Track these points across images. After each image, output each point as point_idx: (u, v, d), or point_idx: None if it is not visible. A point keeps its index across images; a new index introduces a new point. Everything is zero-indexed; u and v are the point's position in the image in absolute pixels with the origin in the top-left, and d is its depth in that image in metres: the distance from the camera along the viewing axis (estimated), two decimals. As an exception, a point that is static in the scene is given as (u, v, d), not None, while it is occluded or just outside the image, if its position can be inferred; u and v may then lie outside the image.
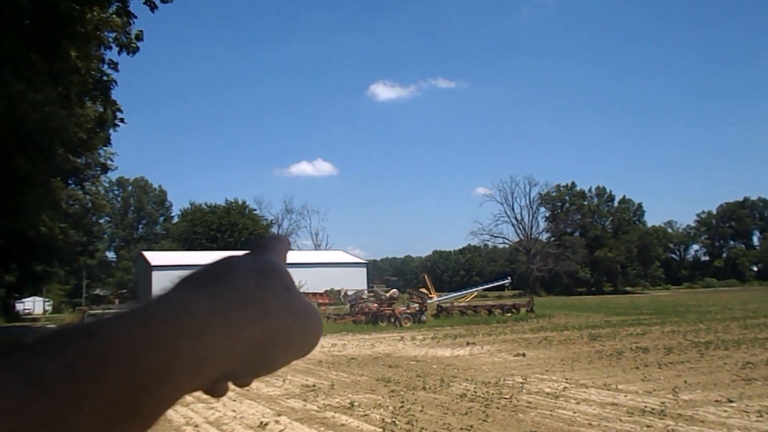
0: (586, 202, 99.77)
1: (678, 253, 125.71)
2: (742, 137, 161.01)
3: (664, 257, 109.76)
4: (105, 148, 30.06)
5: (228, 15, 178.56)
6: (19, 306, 60.26)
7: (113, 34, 15.93)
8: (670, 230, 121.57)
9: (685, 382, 9.95)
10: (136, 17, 15.29)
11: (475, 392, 9.52)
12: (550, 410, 8.04)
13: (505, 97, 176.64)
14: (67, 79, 15.82)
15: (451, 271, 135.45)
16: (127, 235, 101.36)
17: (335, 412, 8.37)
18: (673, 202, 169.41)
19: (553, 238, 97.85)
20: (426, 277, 47.71)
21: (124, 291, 74.15)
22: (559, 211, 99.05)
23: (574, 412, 7.85)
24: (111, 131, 23.41)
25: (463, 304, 34.01)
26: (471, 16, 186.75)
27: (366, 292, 39.99)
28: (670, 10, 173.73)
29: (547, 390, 9.58)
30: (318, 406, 8.85)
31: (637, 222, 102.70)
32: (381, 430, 7.26)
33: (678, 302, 43.39)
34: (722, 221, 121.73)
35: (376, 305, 27.61)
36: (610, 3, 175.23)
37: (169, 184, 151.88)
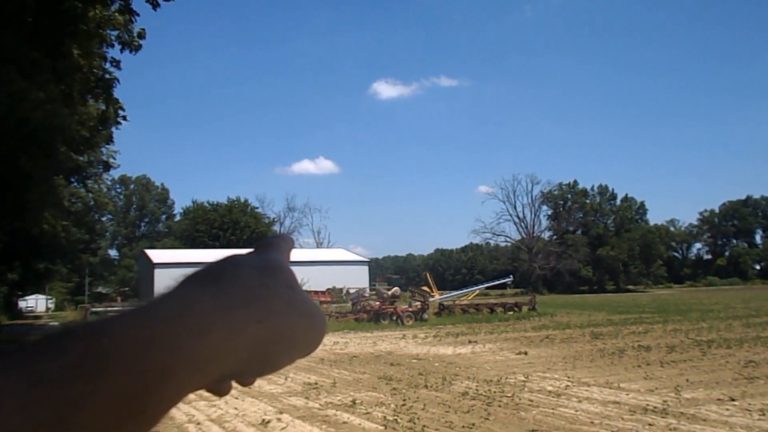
0: (588, 201, 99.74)
1: (680, 252, 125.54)
2: (744, 135, 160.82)
3: (667, 256, 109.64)
4: (107, 146, 30.11)
5: (230, 13, 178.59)
6: (21, 304, 60.42)
7: (116, 32, 15.93)
8: (672, 228, 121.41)
9: (688, 380, 9.95)
10: (138, 15, 15.27)
11: (477, 390, 9.53)
12: (552, 408, 8.04)
13: (507, 96, 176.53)
14: (70, 77, 15.83)
15: (453, 269, 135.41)
16: (129, 233, 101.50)
17: (337, 410, 8.38)
18: (675, 201, 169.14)
19: (555, 237, 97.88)
20: (428, 275, 47.69)
21: (127, 289, 74.23)
22: (561, 209, 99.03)
23: (576, 411, 7.85)
24: (113, 129, 23.44)
25: (465, 302, 34.01)
26: (473, 14, 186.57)
27: (368, 290, 40.03)
28: (673, 8, 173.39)
29: (549, 388, 9.58)
30: (320, 404, 8.87)
31: (639, 220, 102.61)
32: (383, 428, 7.27)
33: (680, 301, 43.34)
34: (725, 220, 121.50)
35: (378, 303, 27.62)
36: (612, 1, 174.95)
37: (171, 182, 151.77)
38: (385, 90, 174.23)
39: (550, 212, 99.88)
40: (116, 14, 15.15)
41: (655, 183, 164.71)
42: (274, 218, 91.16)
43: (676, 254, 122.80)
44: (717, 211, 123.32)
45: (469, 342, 17.41)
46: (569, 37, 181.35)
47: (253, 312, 0.38)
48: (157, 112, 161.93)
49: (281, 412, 8.34)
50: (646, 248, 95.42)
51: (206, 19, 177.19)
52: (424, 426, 7.25)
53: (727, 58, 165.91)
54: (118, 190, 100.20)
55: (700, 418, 7.30)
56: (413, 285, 44.08)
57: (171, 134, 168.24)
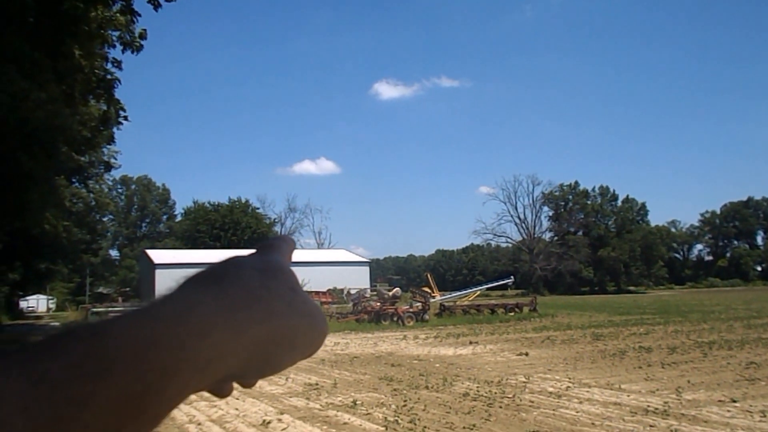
0: (589, 202, 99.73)
1: (681, 253, 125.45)
2: (746, 136, 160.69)
3: (668, 257, 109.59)
4: (108, 146, 30.15)
5: (231, 14, 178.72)
6: (23, 304, 60.49)
7: (117, 33, 15.95)
8: (673, 230, 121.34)
9: (689, 381, 9.94)
10: (140, 15, 15.29)
11: (478, 391, 9.52)
12: (553, 409, 8.04)
13: (508, 96, 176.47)
14: (71, 77, 15.85)
15: (454, 270, 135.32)
16: (130, 233, 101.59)
17: (338, 411, 8.38)
18: (676, 202, 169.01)
19: (556, 238, 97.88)
20: (429, 276, 47.66)
21: (128, 289, 74.28)
22: (562, 210, 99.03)
23: (577, 412, 7.84)
24: (114, 129, 23.46)
25: (465, 303, 34.00)
26: (474, 14, 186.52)
27: (369, 291, 40.05)
28: (674, 8, 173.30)
29: (550, 389, 9.57)
30: (321, 405, 8.86)
31: (640, 221, 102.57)
32: (384, 428, 7.27)
33: (681, 302, 43.31)
34: (726, 221, 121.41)
35: (378, 304, 27.63)
36: (613, 1, 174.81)
37: (172, 183, 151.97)
38: (386, 90, 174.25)
39: (551, 213, 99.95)
40: (118, 15, 15.17)
41: (657, 184, 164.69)
42: (275, 219, 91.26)
43: (677, 255, 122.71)
44: (718, 212, 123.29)
45: (470, 343, 17.40)
46: (570, 37, 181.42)
47: (255, 313, 0.38)
48: (158, 113, 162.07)
49: (282, 413, 8.34)
50: (647, 249, 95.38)
51: (207, 19, 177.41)
52: (425, 427, 7.24)
53: (728, 58, 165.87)
54: (120, 190, 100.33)
55: (701, 419, 7.29)
56: (414, 286, 44.14)
57: (172, 134, 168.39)
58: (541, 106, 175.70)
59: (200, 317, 0.35)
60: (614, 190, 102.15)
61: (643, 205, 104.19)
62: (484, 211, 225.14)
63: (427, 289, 35.53)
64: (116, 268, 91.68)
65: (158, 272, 52.37)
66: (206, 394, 0.39)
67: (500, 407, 8.30)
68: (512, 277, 54.13)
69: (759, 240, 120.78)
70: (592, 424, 7.18)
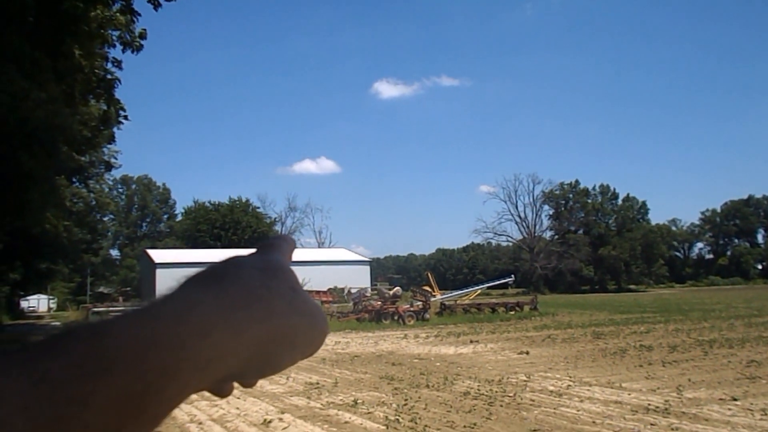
0: (589, 200, 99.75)
1: (682, 251, 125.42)
2: (746, 134, 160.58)
3: (668, 255, 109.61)
4: (109, 146, 30.22)
5: (231, 13, 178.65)
6: (23, 303, 60.51)
7: (117, 32, 15.95)
8: (674, 228, 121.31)
9: (689, 380, 9.93)
10: (140, 15, 15.29)
11: (479, 390, 9.52)
12: (554, 408, 8.04)
13: (508, 95, 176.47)
14: (71, 77, 15.85)
15: (455, 269, 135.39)
16: (131, 233, 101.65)
17: (339, 410, 8.38)
18: (677, 200, 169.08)
19: (556, 236, 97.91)
20: (429, 275, 47.66)
21: (128, 289, 74.30)
22: (562, 209, 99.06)
23: (578, 410, 7.84)
24: (115, 129, 23.48)
25: (466, 302, 34.00)
26: (474, 13, 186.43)
27: (369, 290, 40.06)
28: (675, 5, 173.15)
29: (551, 388, 9.57)
30: (321, 404, 8.87)
31: (641, 220, 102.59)
32: (384, 427, 7.27)
33: (682, 300, 43.30)
34: (727, 219, 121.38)
35: (379, 303, 27.62)
36: None
37: (172, 182, 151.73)
38: (387, 90, 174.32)
39: (551, 212, 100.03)
40: (118, 14, 15.18)
41: (657, 182, 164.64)
42: (275, 218, 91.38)
43: (677, 254, 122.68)
44: (719, 210, 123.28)
45: (471, 342, 17.40)
46: (570, 35, 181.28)
47: (255, 313, 0.38)
48: (158, 112, 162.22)
49: (283, 412, 8.34)
50: (648, 248, 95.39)
51: (207, 18, 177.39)
52: (426, 426, 7.24)
53: (730, 57, 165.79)
54: (120, 190, 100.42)
55: (702, 417, 7.29)
56: (415, 285, 44.11)
57: (172, 134, 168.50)
58: (542, 104, 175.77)
59: (201, 317, 0.35)
60: (615, 189, 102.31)
61: (644, 203, 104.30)
62: (484, 209, 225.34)
63: (427, 288, 35.51)
64: (117, 267, 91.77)
65: (159, 272, 52.39)
66: (207, 394, 0.39)
67: (501, 406, 8.30)
68: (513, 275, 54.09)
69: (759, 238, 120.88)
70: (593, 422, 7.18)
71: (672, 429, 6.80)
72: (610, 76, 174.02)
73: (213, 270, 0.40)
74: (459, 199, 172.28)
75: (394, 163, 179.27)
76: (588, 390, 9.34)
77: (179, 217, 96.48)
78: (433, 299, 30.86)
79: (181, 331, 0.34)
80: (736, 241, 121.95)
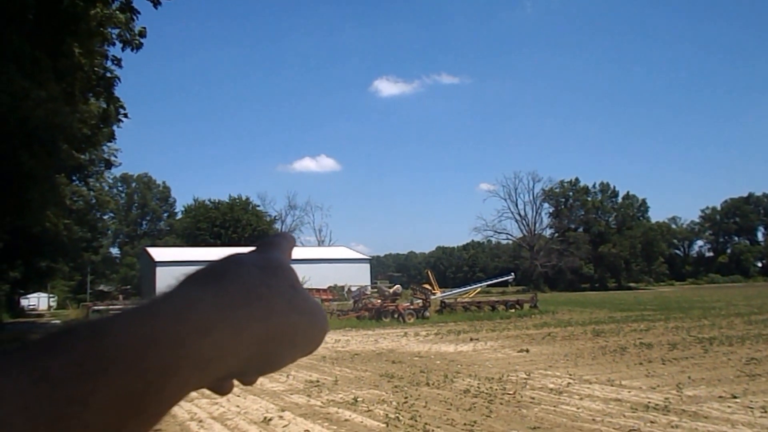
0: (589, 198, 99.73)
1: (682, 249, 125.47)
2: (746, 132, 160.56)
3: (668, 253, 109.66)
4: (109, 144, 30.16)
5: (230, 10, 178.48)
6: (24, 302, 60.54)
7: (117, 31, 15.91)
8: (674, 226, 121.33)
9: (689, 377, 9.94)
10: (139, 13, 15.26)
11: (479, 388, 9.54)
12: (554, 406, 8.05)
13: (508, 93, 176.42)
14: (71, 75, 15.82)
15: (455, 267, 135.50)
16: (131, 231, 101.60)
17: (339, 408, 8.39)
18: (677, 198, 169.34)
19: (556, 234, 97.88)
20: (429, 273, 47.79)
21: (128, 287, 74.15)
22: (562, 206, 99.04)
23: (578, 408, 7.85)
24: (114, 127, 23.44)
25: (466, 300, 34.08)
26: (474, 11, 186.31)
27: (369, 288, 40.07)
28: (675, 4, 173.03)
29: (551, 386, 9.58)
30: (322, 402, 8.88)
31: (641, 218, 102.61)
32: (384, 425, 7.28)
33: (682, 298, 43.33)
34: (726, 217, 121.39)
35: (379, 301, 27.66)
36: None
37: (172, 180, 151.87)
38: (387, 88, 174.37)
39: (551, 210, 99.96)
40: (117, 12, 15.14)
41: (657, 180, 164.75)
42: (275, 216, 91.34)
43: (677, 252, 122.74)
44: (719, 208, 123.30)
45: (471, 340, 17.41)
46: (570, 33, 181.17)
47: (255, 311, 0.38)
48: (158, 110, 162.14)
49: (283, 410, 8.35)
50: (648, 246, 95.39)
51: (207, 16, 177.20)
52: (426, 423, 7.26)
53: (730, 54, 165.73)
54: (120, 188, 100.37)
55: (702, 415, 7.30)
56: (415, 283, 44.19)
57: (172, 132, 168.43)
58: (542, 102, 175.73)
59: (200, 315, 0.35)
60: (615, 187, 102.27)
61: (644, 201, 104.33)
62: (484, 207, 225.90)
63: (427, 286, 35.61)
64: (117, 266, 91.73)
65: (159, 270, 52.38)
66: (207, 392, 0.39)
67: (501, 404, 8.32)
68: (513, 273, 54.23)
69: (759, 236, 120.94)
70: (593, 420, 7.19)
71: (672, 427, 6.81)
72: (610, 74, 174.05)
73: (213, 268, 0.40)
74: (459, 197, 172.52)
75: (394, 161, 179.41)
76: (588, 388, 9.35)
77: (179, 216, 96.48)
78: (433, 297, 30.91)
79: (181, 330, 0.34)
80: (736, 238, 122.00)
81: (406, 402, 8.61)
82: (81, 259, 58.82)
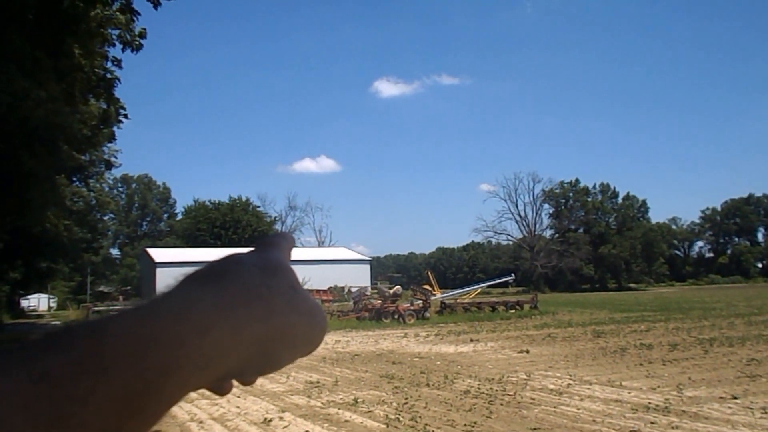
0: (590, 199, 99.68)
1: (682, 250, 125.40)
2: (747, 133, 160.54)
3: (669, 254, 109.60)
4: (109, 144, 30.17)
5: (230, 11, 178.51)
6: (24, 303, 60.54)
7: (117, 31, 15.93)
8: (674, 227, 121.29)
9: (690, 378, 9.94)
10: (139, 14, 15.27)
11: (479, 389, 9.53)
12: (554, 407, 8.04)
13: (508, 93, 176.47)
14: (71, 76, 15.84)
15: (455, 267, 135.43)
16: (131, 232, 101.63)
17: (339, 409, 8.39)
18: (677, 199, 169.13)
19: (556, 235, 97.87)
20: (429, 273, 47.76)
21: (129, 288, 74.36)
22: (562, 207, 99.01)
23: (578, 409, 7.85)
24: (115, 128, 23.47)
25: (466, 300, 34.02)
26: (475, 11, 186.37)
27: (369, 288, 40.05)
28: (675, 3, 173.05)
29: (551, 387, 9.58)
30: (322, 403, 8.87)
31: (641, 218, 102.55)
32: (385, 426, 7.27)
33: (682, 299, 43.30)
34: (727, 218, 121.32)
35: (379, 302, 27.62)
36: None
37: (173, 181, 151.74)
38: (387, 88, 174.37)
39: (551, 210, 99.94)
40: (117, 13, 15.16)
41: (657, 181, 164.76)
42: (275, 217, 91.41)
43: (678, 252, 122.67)
44: (719, 209, 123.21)
45: (471, 340, 17.41)
46: (570, 33, 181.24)
47: (255, 311, 0.38)
48: (158, 111, 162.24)
49: (283, 411, 8.35)
50: (648, 246, 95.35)
51: (207, 17, 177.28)
52: (426, 424, 7.25)
53: (730, 54, 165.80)
54: (120, 189, 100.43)
55: (702, 416, 7.29)
56: (415, 284, 44.15)
57: (172, 133, 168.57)
58: (542, 103, 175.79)
59: (200, 315, 0.35)
60: (615, 188, 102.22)
61: (644, 202, 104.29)
62: (484, 208, 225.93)
63: (427, 287, 35.53)
64: (117, 266, 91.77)
65: (159, 271, 52.40)
66: (207, 393, 0.38)
67: (501, 404, 8.31)
68: (513, 274, 54.13)
69: (760, 237, 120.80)
70: (593, 421, 7.19)
71: (672, 427, 6.80)
72: (610, 74, 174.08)
73: (212, 268, 0.40)
74: (459, 197, 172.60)
75: (394, 161, 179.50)
76: (588, 389, 9.35)
77: (179, 216, 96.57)
78: (433, 298, 30.86)
79: (181, 329, 0.34)
80: (737, 239, 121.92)
81: (406, 403, 8.61)
82: (81, 260, 58.84)
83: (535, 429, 6.90)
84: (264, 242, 0.47)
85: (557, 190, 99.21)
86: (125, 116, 21.49)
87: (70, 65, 15.03)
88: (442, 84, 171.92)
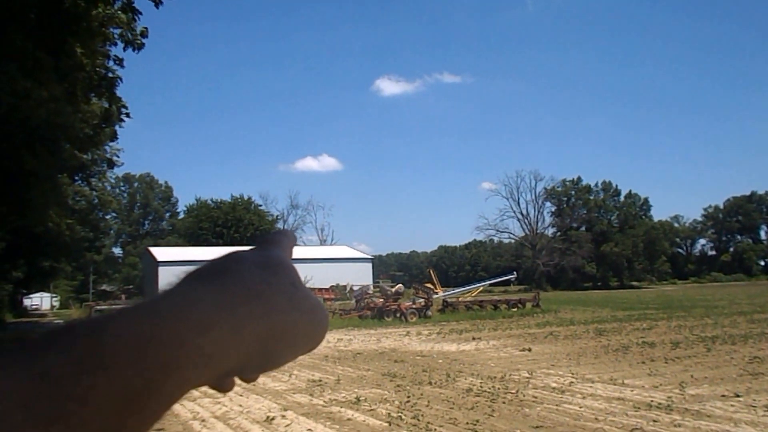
0: (592, 197, 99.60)
1: (684, 248, 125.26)
2: (749, 131, 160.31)
3: (671, 252, 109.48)
4: (111, 143, 30.17)
5: (231, 10, 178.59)
6: (26, 302, 60.71)
7: (118, 31, 15.92)
8: (676, 225, 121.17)
9: (692, 376, 9.93)
10: (141, 14, 15.26)
11: (481, 387, 9.53)
12: (556, 405, 8.04)
13: (510, 92, 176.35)
14: (73, 75, 15.83)
15: (457, 266, 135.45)
16: (133, 230, 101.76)
17: (341, 407, 8.39)
18: (679, 197, 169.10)
19: (558, 233, 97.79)
20: (431, 272, 47.70)
21: (131, 287, 74.48)
22: (564, 205, 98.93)
23: (580, 407, 7.84)
24: (117, 127, 23.47)
25: (468, 299, 34.01)
26: (476, 10, 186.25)
27: (371, 287, 40.09)
28: (677, 1, 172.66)
29: (553, 385, 9.57)
30: (324, 401, 8.88)
31: (643, 216, 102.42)
32: (387, 424, 7.28)
33: (685, 297, 43.27)
34: (729, 215, 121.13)
35: (381, 300, 27.63)
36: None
37: (175, 180, 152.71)
38: (388, 87, 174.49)
39: (553, 209, 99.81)
40: (119, 12, 15.14)
41: (659, 179, 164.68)
42: (277, 216, 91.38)
43: (680, 250, 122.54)
44: (721, 207, 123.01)
45: (473, 339, 17.40)
46: (572, 31, 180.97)
47: (255, 308, 0.38)
48: (160, 110, 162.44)
49: (285, 409, 8.36)
50: (650, 244, 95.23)
51: (208, 16, 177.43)
52: (428, 423, 7.25)
53: (731, 52, 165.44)
54: (122, 188, 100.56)
55: (705, 414, 7.29)
56: (417, 282, 44.13)
57: (174, 132, 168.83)
58: (544, 101, 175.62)
59: (200, 313, 0.35)
60: (617, 186, 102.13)
61: (646, 200, 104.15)
62: (486, 206, 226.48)
63: (429, 286, 35.50)
64: (119, 265, 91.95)
65: (161, 269, 52.44)
66: (210, 390, 0.38)
67: (503, 403, 8.31)
68: (515, 272, 54.12)
69: (762, 235, 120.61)
70: (596, 419, 7.18)
71: (675, 425, 6.79)
72: (612, 72, 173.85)
73: (213, 266, 0.40)
74: (461, 196, 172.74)
75: (396, 160, 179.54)
76: (590, 387, 9.34)
77: (181, 215, 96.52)
78: (435, 296, 30.85)
79: (181, 328, 0.34)
80: (739, 237, 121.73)
81: (408, 401, 8.61)
82: (83, 259, 58.94)
83: (537, 427, 6.90)
84: (265, 240, 0.47)
85: (559, 188, 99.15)
86: (127, 115, 21.48)
87: (72, 65, 15.03)
88: (443, 82, 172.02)
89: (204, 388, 0.38)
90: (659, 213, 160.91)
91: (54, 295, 70.67)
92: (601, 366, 11.50)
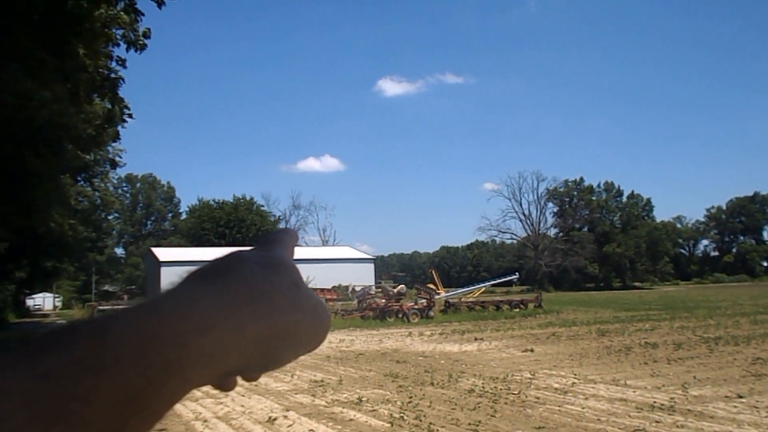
0: (594, 197, 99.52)
1: (687, 249, 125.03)
2: (752, 131, 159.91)
3: (673, 252, 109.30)
4: (113, 144, 30.18)
5: (233, 11, 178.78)
6: (29, 302, 60.88)
7: (121, 31, 15.95)
8: (679, 225, 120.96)
9: (695, 377, 9.91)
10: (143, 14, 15.29)
11: (483, 388, 9.52)
12: (559, 406, 8.03)
13: (512, 92, 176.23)
14: (76, 76, 15.86)
15: (459, 266, 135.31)
16: (135, 231, 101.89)
17: (343, 408, 8.39)
18: (682, 197, 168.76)
19: (561, 234, 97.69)
20: (434, 272, 47.76)
21: (133, 287, 74.57)
22: (567, 206, 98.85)
23: (583, 408, 7.83)
24: (119, 128, 23.49)
25: (470, 299, 34.03)
26: (478, 10, 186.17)
27: (374, 287, 40.04)
28: (680, 1, 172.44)
29: (556, 385, 9.56)
30: (326, 402, 8.88)
31: (645, 217, 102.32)
32: (389, 425, 7.28)
33: (687, 298, 43.18)
34: (732, 216, 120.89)
35: (383, 301, 27.65)
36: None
37: (177, 181, 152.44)
38: (391, 87, 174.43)
39: (556, 209, 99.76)
40: (122, 13, 15.17)
41: (662, 179, 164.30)
42: (279, 216, 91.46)
43: (682, 251, 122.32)
44: (724, 207, 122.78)
45: (475, 339, 17.40)
46: (574, 32, 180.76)
47: (258, 308, 0.38)
48: (162, 111, 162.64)
49: (288, 410, 8.36)
50: (653, 245, 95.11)
51: (210, 17, 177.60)
52: (431, 423, 7.25)
53: (734, 53, 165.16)
54: (125, 188, 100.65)
55: (708, 415, 7.27)
56: (419, 282, 44.13)
57: (177, 132, 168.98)
58: (546, 101, 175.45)
59: (202, 313, 0.35)
60: (619, 186, 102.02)
61: (649, 200, 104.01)
62: (488, 207, 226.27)
63: (431, 286, 35.54)
64: (122, 266, 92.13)
65: (164, 270, 52.49)
66: (212, 391, 0.40)
67: (506, 403, 8.30)
68: (517, 273, 54.20)
69: (765, 235, 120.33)
70: (598, 420, 7.18)
71: (677, 426, 6.78)
72: (614, 72, 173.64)
73: (215, 265, 0.40)
74: (463, 196, 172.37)
75: (398, 160, 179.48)
76: (593, 387, 9.33)
77: (184, 216, 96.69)
78: (437, 297, 30.86)
79: (183, 327, 0.34)
80: (742, 238, 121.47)
81: (410, 402, 8.61)
82: (86, 259, 59.04)
83: (539, 428, 6.89)
84: (267, 239, 0.47)
85: (561, 189, 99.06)
86: (130, 116, 21.50)
87: (75, 65, 15.06)
88: (446, 83, 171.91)
89: (206, 388, 0.38)
90: (662, 214, 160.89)
91: (57, 295, 70.87)
92: (604, 367, 11.48)
